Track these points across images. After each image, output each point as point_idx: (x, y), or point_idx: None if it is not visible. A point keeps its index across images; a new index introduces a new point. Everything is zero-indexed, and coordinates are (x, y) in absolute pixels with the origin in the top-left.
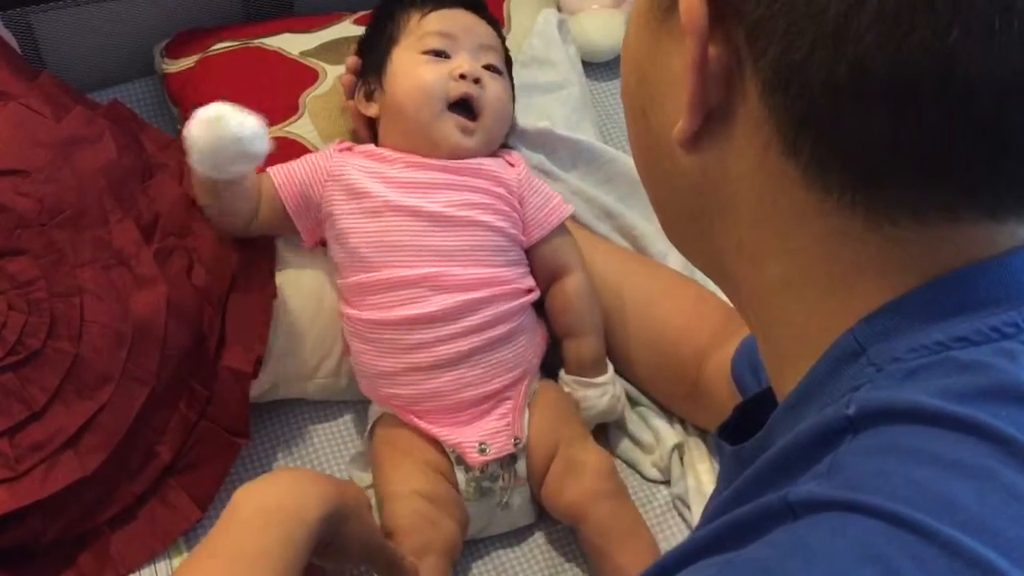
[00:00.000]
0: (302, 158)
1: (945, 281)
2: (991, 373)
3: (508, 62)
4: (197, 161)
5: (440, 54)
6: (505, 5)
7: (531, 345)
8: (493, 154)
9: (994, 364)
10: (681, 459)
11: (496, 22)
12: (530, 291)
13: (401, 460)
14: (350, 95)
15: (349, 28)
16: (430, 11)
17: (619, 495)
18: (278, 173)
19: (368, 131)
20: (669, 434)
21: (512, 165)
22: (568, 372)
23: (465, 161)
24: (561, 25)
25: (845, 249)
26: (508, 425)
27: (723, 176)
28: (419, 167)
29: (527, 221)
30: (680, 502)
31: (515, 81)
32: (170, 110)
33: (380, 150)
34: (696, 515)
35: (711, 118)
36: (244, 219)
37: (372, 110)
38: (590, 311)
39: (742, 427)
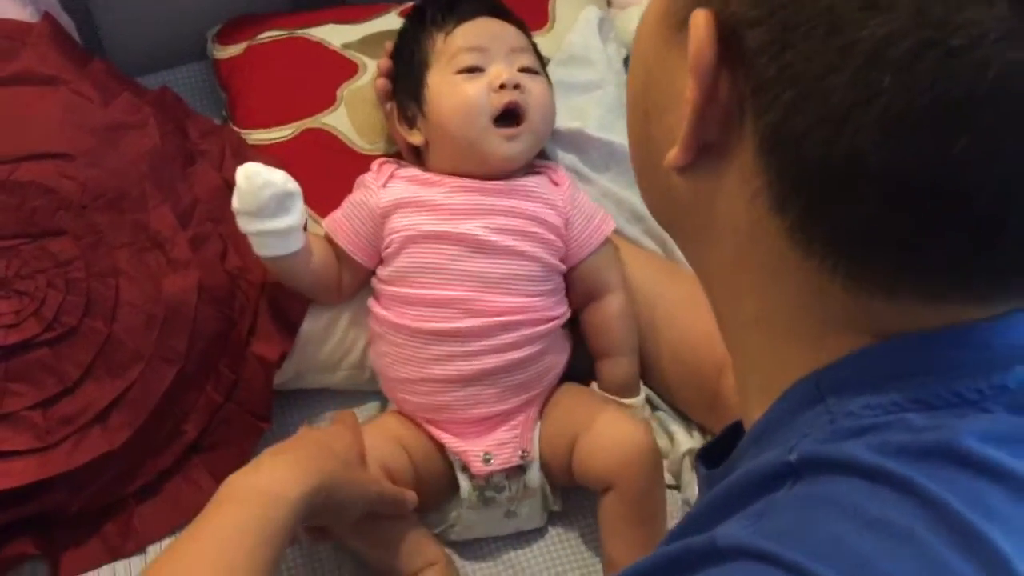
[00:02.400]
0: (349, 204)
1: (913, 340)
2: (938, 434)
3: (540, 58)
4: (246, 218)
5: (475, 69)
6: (551, 1)
7: (553, 366)
8: (537, 171)
9: (945, 426)
10: (692, 465)
11: (521, 22)
12: (559, 316)
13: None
14: (385, 98)
15: (393, 21)
16: (453, 27)
17: (656, 469)
18: (339, 233)
19: (413, 156)
20: (684, 439)
21: (556, 184)
22: (601, 389)
23: (513, 182)
24: (602, 23)
25: (819, 304)
26: (516, 438)
27: (711, 208)
28: (467, 190)
29: (570, 242)
30: (687, 506)
31: (551, 79)
32: (218, 95)
33: (426, 174)
34: None
35: (707, 151)
36: (331, 292)
37: (416, 138)
38: (628, 333)
39: (726, 450)
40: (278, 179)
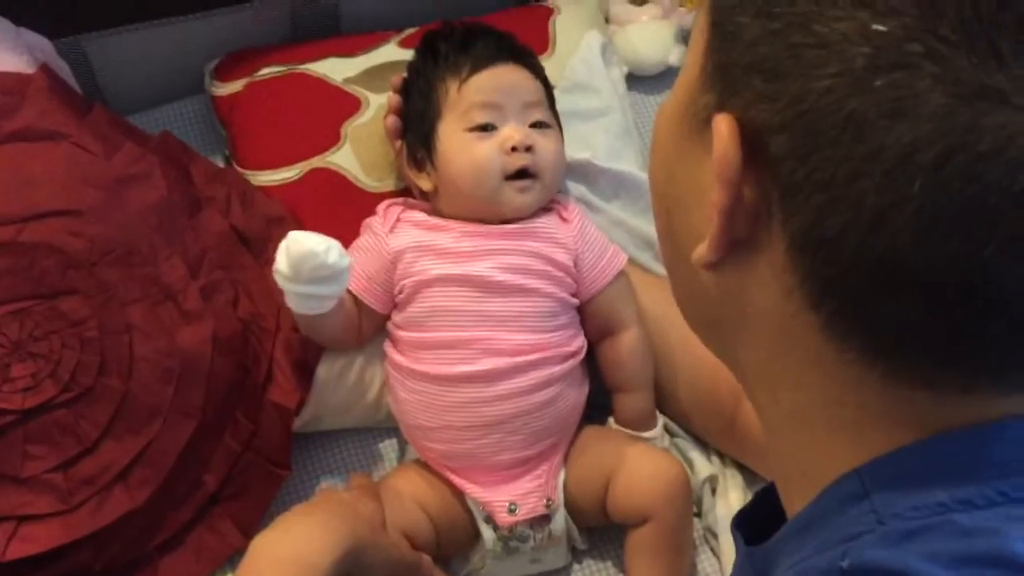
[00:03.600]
0: (358, 250)
1: (957, 437)
2: (988, 539)
3: (552, 100)
4: (287, 280)
5: (487, 127)
6: (551, 24)
7: (575, 406)
8: (547, 208)
9: (994, 530)
10: (713, 491)
11: (533, 60)
12: (578, 351)
13: (419, 482)
14: (395, 136)
15: (393, 52)
16: (468, 75)
17: (689, 499)
18: (352, 281)
19: (422, 194)
20: (703, 466)
21: (566, 220)
22: (617, 422)
23: (520, 224)
24: (604, 48)
25: (858, 396)
26: (541, 486)
27: (743, 301)
28: (474, 235)
29: (581, 279)
30: (709, 533)
31: (557, 107)
32: (218, 130)
33: (433, 219)
34: (724, 544)
35: (735, 247)
36: (352, 341)
37: (426, 184)
38: (643, 367)
39: (760, 515)
40: (333, 259)
